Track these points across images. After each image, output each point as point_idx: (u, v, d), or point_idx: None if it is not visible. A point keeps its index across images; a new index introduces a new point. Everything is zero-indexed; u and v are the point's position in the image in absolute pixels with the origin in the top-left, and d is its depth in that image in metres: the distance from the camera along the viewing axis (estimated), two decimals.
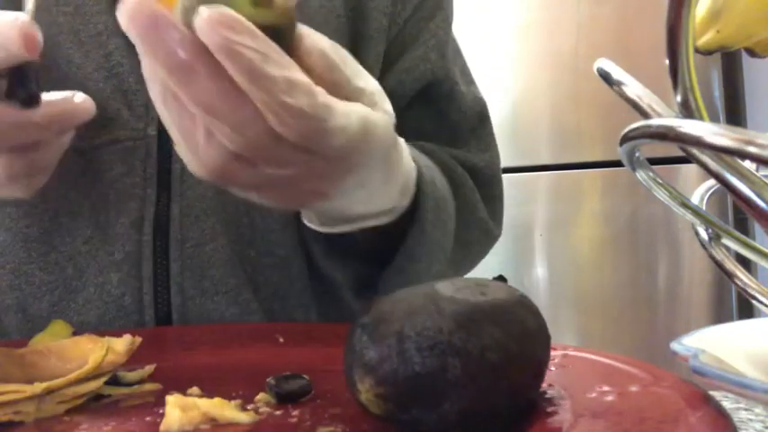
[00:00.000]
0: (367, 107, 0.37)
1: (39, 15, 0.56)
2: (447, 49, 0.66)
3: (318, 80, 0.35)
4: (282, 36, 0.34)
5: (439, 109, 0.65)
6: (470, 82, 0.68)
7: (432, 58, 0.63)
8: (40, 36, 0.38)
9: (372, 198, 0.43)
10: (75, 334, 0.43)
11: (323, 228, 0.46)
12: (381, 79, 0.62)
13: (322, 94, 0.34)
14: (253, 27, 0.32)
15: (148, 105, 0.55)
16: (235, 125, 0.33)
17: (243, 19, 0.31)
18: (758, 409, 0.39)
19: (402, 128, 0.61)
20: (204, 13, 0.31)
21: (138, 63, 0.56)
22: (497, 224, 0.66)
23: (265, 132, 0.33)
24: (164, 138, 0.55)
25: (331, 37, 0.58)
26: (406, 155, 0.46)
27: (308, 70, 0.34)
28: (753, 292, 0.35)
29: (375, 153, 0.38)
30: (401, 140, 0.45)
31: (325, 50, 0.36)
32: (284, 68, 0.32)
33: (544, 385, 0.31)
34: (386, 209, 0.45)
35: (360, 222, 0.45)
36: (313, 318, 0.60)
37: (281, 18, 0.34)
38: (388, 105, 0.39)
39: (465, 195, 0.61)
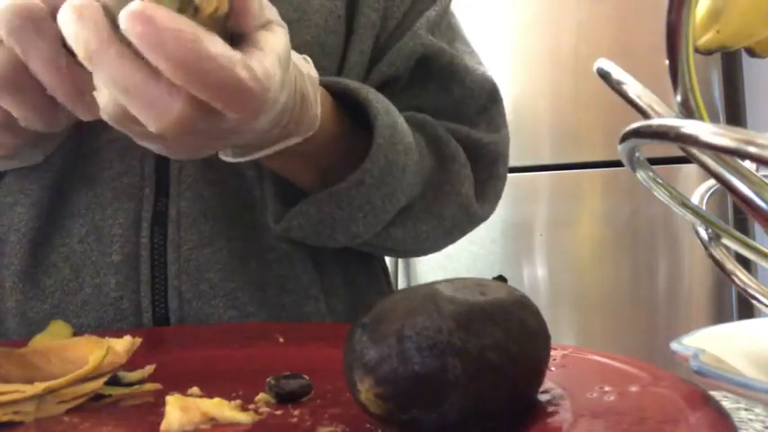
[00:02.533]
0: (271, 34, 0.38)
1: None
2: (438, 27, 0.64)
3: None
4: None
5: (440, 84, 0.63)
6: (478, 62, 0.66)
7: (421, 34, 0.61)
8: None
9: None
10: (74, 335, 0.43)
11: (236, 158, 0.47)
12: (372, 69, 0.61)
13: (257, 64, 0.35)
14: (176, 18, 0.32)
15: None
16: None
17: (165, 11, 0.31)
18: (758, 409, 0.39)
19: (402, 106, 0.61)
20: (125, 11, 0.31)
21: None
22: (485, 205, 0.64)
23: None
24: None
25: (328, 36, 0.58)
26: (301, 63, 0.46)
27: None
28: (753, 292, 0.35)
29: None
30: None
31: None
32: (216, 46, 0.33)
33: (544, 385, 0.31)
34: (285, 120, 0.44)
35: (272, 145, 0.46)
36: (323, 309, 0.59)
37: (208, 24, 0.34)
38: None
39: (451, 171, 0.60)
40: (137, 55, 0.33)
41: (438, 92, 0.63)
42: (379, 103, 0.53)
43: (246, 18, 0.36)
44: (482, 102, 0.64)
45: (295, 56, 0.45)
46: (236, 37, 0.37)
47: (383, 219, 0.55)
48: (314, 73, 0.47)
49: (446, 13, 0.66)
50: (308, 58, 0.48)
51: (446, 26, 0.66)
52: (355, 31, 0.60)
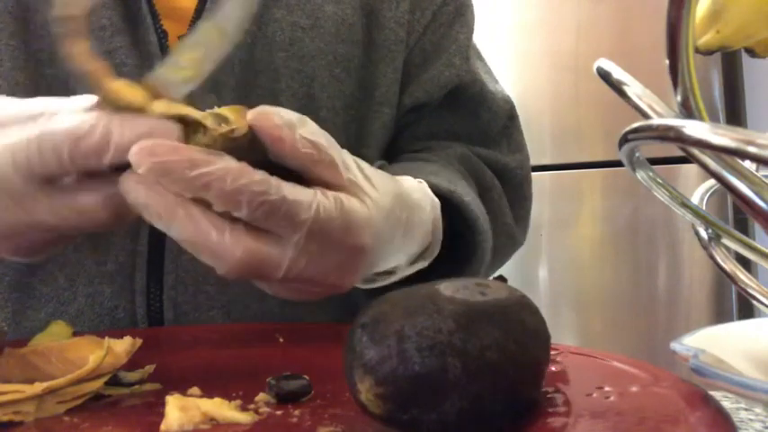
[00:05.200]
0: (346, 194, 0.38)
1: (40, 8, 0.55)
2: (470, 52, 0.65)
3: (312, 174, 0.36)
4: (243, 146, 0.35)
5: (470, 111, 0.65)
6: (496, 81, 0.68)
7: (456, 63, 0.63)
8: None
9: (393, 258, 0.44)
10: (74, 336, 0.43)
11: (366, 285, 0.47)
12: (405, 91, 0.62)
13: (277, 185, 0.35)
14: (189, 149, 0.33)
15: None
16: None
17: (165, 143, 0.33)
18: (758, 409, 0.39)
19: (433, 129, 0.61)
20: (135, 148, 0.33)
21: (142, 62, 0.55)
22: (522, 230, 0.66)
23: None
24: None
25: (339, 45, 0.58)
26: (421, 201, 0.46)
27: (301, 162, 0.36)
28: (753, 292, 0.35)
29: (367, 236, 0.38)
30: (415, 190, 0.46)
31: (322, 145, 0.37)
32: (237, 177, 0.33)
33: (544, 385, 0.31)
34: (414, 254, 0.46)
35: (395, 276, 0.46)
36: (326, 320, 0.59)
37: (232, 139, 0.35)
38: (372, 193, 0.40)
39: (493, 200, 0.61)
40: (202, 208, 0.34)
41: (467, 117, 0.65)
42: (485, 221, 0.54)
43: (283, 148, 0.36)
44: (503, 122, 0.66)
45: (417, 193, 0.46)
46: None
47: None
48: (437, 201, 0.48)
49: (473, 32, 0.67)
50: (423, 182, 0.48)
51: (472, 50, 0.67)
52: (388, 48, 0.60)
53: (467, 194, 0.53)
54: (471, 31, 0.67)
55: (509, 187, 0.64)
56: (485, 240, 0.53)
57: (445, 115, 0.64)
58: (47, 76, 0.55)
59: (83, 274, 0.53)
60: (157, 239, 0.54)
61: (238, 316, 0.55)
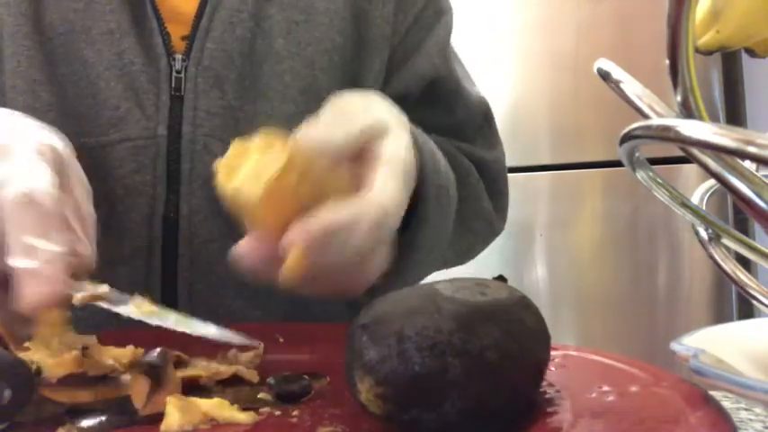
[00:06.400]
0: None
1: (49, 10, 0.57)
2: (447, 50, 0.68)
3: None
4: None
5: (446, 106, 0.67)
6: (473, 84, 0.71)
7: (433, 54, 0.65)
8: None
9: None
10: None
11: None
12: (387, 85, 0.64)
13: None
14: None
15: (159, 104, 0.56)
16: None
17: None
18: (758, 409, 0.39)
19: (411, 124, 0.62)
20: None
21: (150, 62, 0.57)
22: (501, 218, 0.67)
23: None
24: (173, 137, 0.57)
25: (336, 34, 0.59)
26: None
27: None
28: (753, 292, 0.35)
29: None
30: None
31: None
32: None
33: (544, 385, 0.31)
34: None
35: None
36: (331, 308, 0.61)
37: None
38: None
39: (471, 184, 0.63)
40: None
41: (443, 113, 0.67)
42: (436, 163, 0.54)
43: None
44: (478, 122, 0.69)
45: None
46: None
47: (444, 243, 0.57)
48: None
49: (450, 34, 0.69)
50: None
51: (449, 49, 0.69)
52: (374, 42, 0.62)
53: (420, 134, 0.53)
54: (449, 32, 0.69)
55: (486, 179, 0.66)
56: (437, 180, 0.52)
57: (422, 111, 0.65)
58: (58, 76, 0.57)
59: (102, 257, 0.54)
60: (171, 226, 0.56)
61: (249, 294, 0.57)
